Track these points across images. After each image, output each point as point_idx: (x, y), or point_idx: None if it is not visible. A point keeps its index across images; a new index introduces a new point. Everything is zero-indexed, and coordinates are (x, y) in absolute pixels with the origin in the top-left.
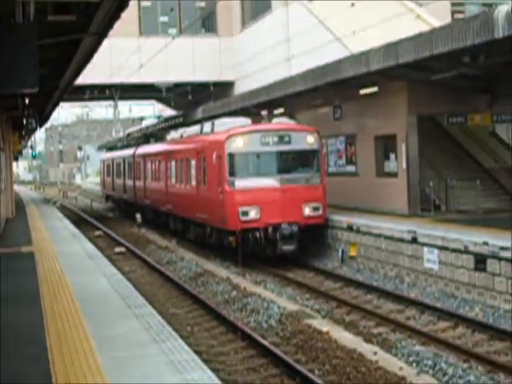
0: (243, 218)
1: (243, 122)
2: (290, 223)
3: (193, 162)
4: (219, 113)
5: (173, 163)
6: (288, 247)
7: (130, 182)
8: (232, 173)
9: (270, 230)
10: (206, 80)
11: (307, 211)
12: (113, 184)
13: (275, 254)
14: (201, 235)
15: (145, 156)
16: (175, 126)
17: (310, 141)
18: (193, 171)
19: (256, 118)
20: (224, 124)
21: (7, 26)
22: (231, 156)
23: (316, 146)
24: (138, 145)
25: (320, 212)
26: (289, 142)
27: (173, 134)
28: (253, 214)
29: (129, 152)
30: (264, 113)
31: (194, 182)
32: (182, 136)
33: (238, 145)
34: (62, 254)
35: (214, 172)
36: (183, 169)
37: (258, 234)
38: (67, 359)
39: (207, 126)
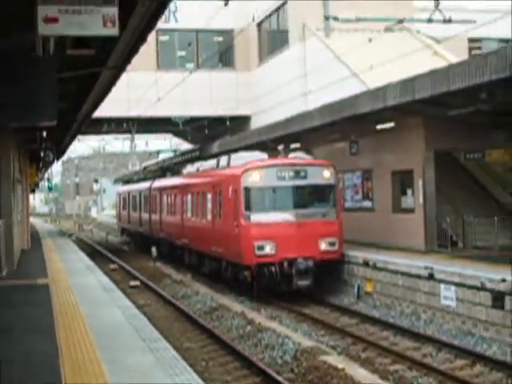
0: (258, 253)
1: (259, 156)
2: (306, 258)
3: (209, 196)
4: (235, 147)
5: (189, 197)
6: (303, 282)
7: (145, 216)
8: (248, 207)
9: (285, 264)
10: (222, 114)
11: (323, 246)
12: (129, 217)
13: (290, 289)
14: (216, 269)
15: (161, 189)
16: (191, 160)
17: (326, 175)
18: (208, 205)
19: (272, 152)
20: (240, 158)
21: (27, 60)
22: (247, 190)
23: (332, 181)
24: (154, 178)
25: (336, 247)
26: (305, 177)
27: (189, 168)
28: (268, 248)
29: (145, 185)
30: (280, 147)
31: (209, 216)
32: (198, 170)
33: (254, 179)
34: (76, 286)
35: (230, 206)
36: (199, 203)
37: (273, 269)
38: None
39: (223, 160)
